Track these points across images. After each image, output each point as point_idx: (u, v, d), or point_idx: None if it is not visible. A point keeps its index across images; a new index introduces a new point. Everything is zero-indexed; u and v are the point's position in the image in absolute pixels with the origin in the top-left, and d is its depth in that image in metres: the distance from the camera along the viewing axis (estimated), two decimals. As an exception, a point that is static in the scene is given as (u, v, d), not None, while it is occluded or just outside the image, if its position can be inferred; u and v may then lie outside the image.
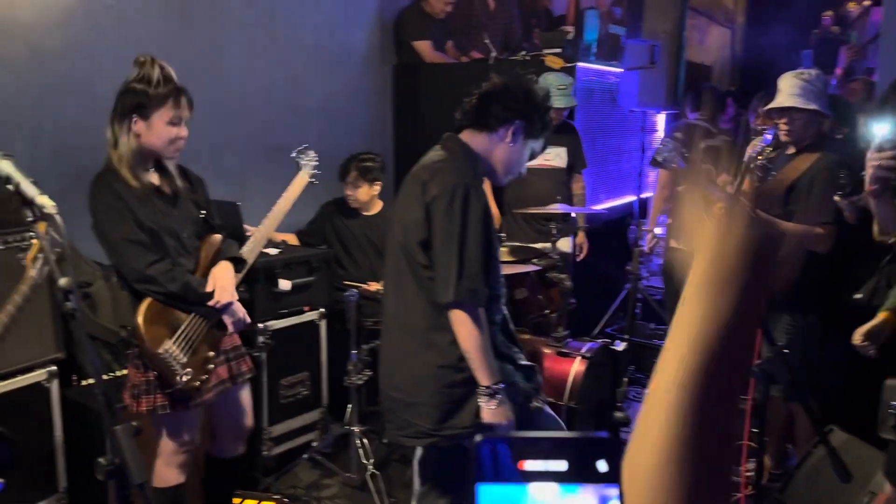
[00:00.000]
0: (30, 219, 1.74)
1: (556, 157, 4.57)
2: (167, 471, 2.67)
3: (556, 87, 4.41)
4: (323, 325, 3.87)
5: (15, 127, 3.23)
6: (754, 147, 3.15)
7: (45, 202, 1.68)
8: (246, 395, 2.87)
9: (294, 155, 3.31)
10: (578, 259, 4.62)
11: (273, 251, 3.72)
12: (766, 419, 3.20)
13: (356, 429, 3.52)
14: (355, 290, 3.57)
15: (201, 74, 3.91)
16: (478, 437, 0.51)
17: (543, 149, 2.50)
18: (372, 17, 5.09)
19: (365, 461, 3.49)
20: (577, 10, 5.29)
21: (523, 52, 5.00)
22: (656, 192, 5.06)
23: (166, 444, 2.66)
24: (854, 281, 3.00)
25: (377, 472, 3.44)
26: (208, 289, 2.57)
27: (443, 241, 2.15)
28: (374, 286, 4.02)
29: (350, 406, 3.57)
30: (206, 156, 3.77)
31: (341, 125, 4.74)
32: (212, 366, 2.61)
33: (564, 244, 4.52)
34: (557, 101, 4.43)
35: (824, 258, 3.08)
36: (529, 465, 0.50)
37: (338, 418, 3.90)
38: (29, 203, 1.71)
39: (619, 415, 3.72)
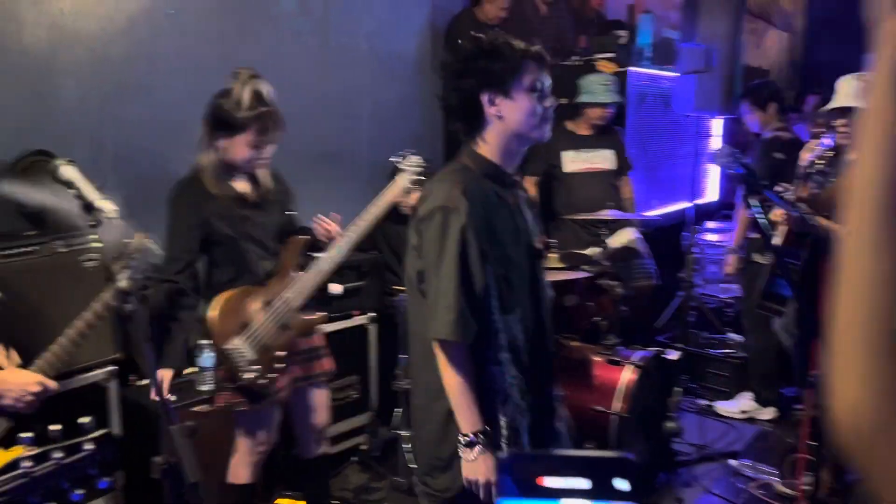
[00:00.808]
0: (91, 223, 1.78)
1: (603, 159, 4.52)
2: (241, 468, 2.73)
3: (598, 84, 4.38)
4: (372, 329, 3.89)
5: (78, 133, 3.33)
6: (812, 152, 3.08)
7: (107, 206, 1.73)
8: (321, 395, 2.90)
9: (394, 158, 3.32)
10: None
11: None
12: (824, 431, 3.11)
13: (404, 433, 3.54)
14: (404, 295, 3.58)
15: (256, 81, 3.98)
16: (501, 454, 0.51)
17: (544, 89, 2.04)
18: (423, 24, 5.11)
19: (412, 465, 3.50)
20: (632, 13, 5.23)
21: (575, 57, 4.97)
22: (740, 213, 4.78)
23: (241, 443, 2.73)
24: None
25: (425, 477, 3.45)
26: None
27: (427, 270, 1.94)
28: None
29: (398, 410, 3.58)
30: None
31: (392, 131, 4.77)
32: (280, 365, 2.63)
33: (624, 236, 4.40)
34: (602, 97, 4.38)
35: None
36: (551, 481, 0.50)
37: (386, 422, 3.93)
38: (90, 207, 1.75)
39: (670, 425, 3.65)
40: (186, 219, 2.54)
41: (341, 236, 2.79)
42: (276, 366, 2.63)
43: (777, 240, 3.16)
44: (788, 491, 3.55)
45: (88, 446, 1.44)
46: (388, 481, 3.62)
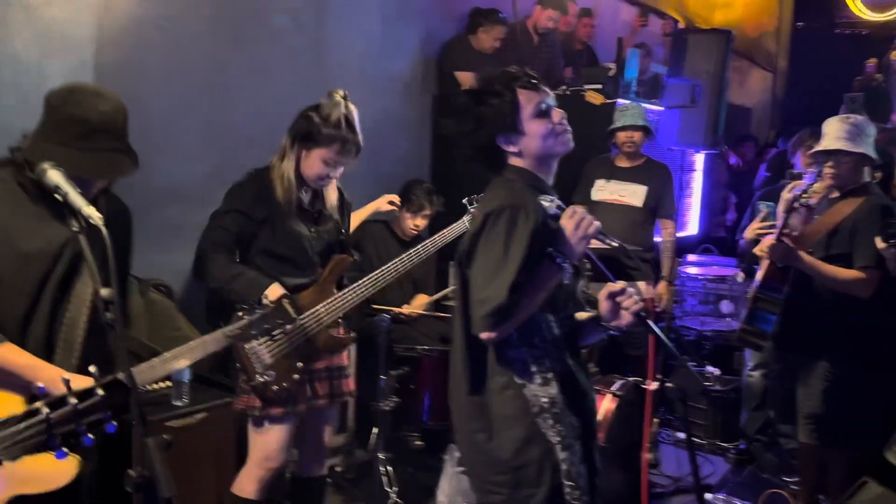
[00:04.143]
0: (75, 229, 1.76)
1: (631, 194, 4.35)
2: (247, 482, 2.69)
3: (619, 111, 4.37)
4: (352, 348, 3.86)
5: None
6: (796, 187, 3.12)
7: (92, 213, 1.70)
8: (333, 415, 2.88)
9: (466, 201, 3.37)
10: (657, 310, 4.28)
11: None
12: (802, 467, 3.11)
13: (381, 455, 3.50)
14: (386, 315, 3.56)
15: (248, 97, 3.97)
16: None
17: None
18: (415, 47, 5.15)
19: (388, 489, 3.45)
20: (620, 47, 5.30)
21: (564, 87, 5.02)
22: None
23: (253, 455, 2.69)
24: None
25: (400, 501, 3.40)
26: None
27: (483, 256, 2.02)
28: (406, 310, 4.00)
29: (375, 431, 3.55)
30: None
31: (381, 151, 4.78)
32: (297, 376, 2.60)
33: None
34: (620, 121, 4.31)
35: (866, 304, 3.02)
36: None
37: (362, 444, 3.88)
38: (76, 213, 1.73)
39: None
40: (243, 209, 2.60)
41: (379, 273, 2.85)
42: (294, 376, 2.59)
43: (759, 273, 3.19)
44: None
45: (100, 392, 1.46)
46: (362, 504, 3.58)
